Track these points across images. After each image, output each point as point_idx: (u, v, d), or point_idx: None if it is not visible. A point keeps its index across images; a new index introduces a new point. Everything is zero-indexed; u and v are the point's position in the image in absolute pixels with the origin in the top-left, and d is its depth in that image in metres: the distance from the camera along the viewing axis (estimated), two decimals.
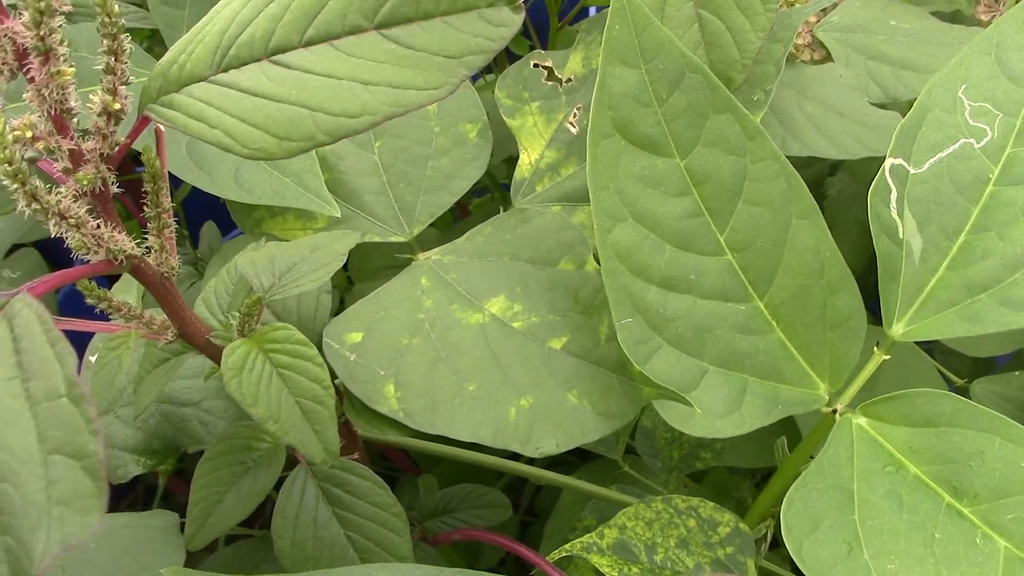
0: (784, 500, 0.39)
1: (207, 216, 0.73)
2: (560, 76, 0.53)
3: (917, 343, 0.68)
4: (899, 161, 0.45)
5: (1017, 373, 0.66)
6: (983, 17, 0.66)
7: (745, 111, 0.43)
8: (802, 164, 0.80)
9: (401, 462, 0.81)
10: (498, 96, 0.52)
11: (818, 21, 0.60)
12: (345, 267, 0.81)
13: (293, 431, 0.35)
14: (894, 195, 0.44)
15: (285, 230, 0.50)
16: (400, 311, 0.46)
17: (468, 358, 0.44)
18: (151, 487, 0.84)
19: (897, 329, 0.43)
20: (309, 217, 0.49)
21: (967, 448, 0.40)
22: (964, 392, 0.66)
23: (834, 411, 0.43)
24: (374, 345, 0.44)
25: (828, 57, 0.61)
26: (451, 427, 0.42)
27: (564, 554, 0.44)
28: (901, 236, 0.44)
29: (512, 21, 0.28)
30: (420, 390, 0.43)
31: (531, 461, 0.88)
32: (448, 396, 0.43)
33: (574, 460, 0.79)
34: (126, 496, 0.87)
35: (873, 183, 0.44)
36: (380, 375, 0.43)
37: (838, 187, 0.74)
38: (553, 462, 0.88)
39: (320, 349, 0.44)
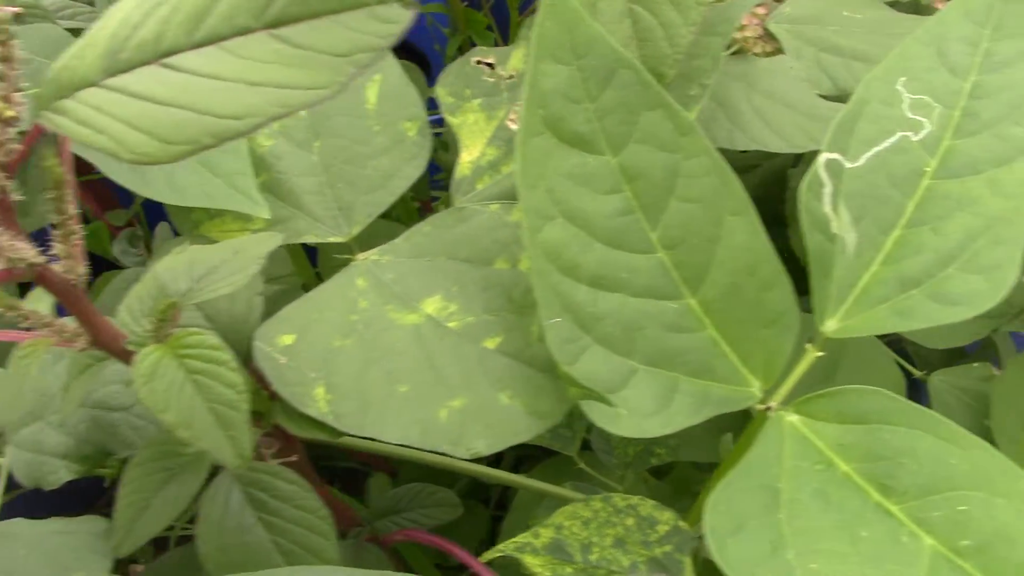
0: (708, 501, 0.39)
1: (166, 217, 0.73)
2: (502, 73, 0.53)
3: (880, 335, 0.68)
4: (834, 155, 0.44)
5: (976, 364, 0.65)
6: (940, 7, 0.66)
7: (677, 107, 0.43)
8: (764, 156, 0.80)
9: (373, 458, 0.80)
10: (439, 93, 0.52)
11: (768, 13, 0.59)
12: (314, 263, 0.80)
13: (206, 437, 0.34)
14: (828, 190, 0.44)
15: (223, 232, 0.49)
16: (334, 312, 0.45)
17: (401, 359, 0.44)
18: None
19: (830, 325, 0.43)
20: (247, 219, 0.49)
21: (898, 445, 0.40)
22: (923, 384, 0.65)
23: (768, 408, 0.43)
24: (306, 347, 0.44)
25: (781, 49, 0.60)
26: (381, 429, 0.42)
27: (497, 554, 0.44)
28: (834, 231, 0.43)
29: (402, 17, 0.28)
30: (350, 392, 0.43)
31: (497, 460, 0.88)
32: (379, 398, 0.43)
33: (540, 454, 0.79)
34: (104, 495, 0.87)
35: (805, 179, 0.43)
36: (311, 378, 0.43)
37: (800, 179, 0.74)
38: (519, 457, 0.88)
39: (251, 352, 0.44)
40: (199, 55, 0.28)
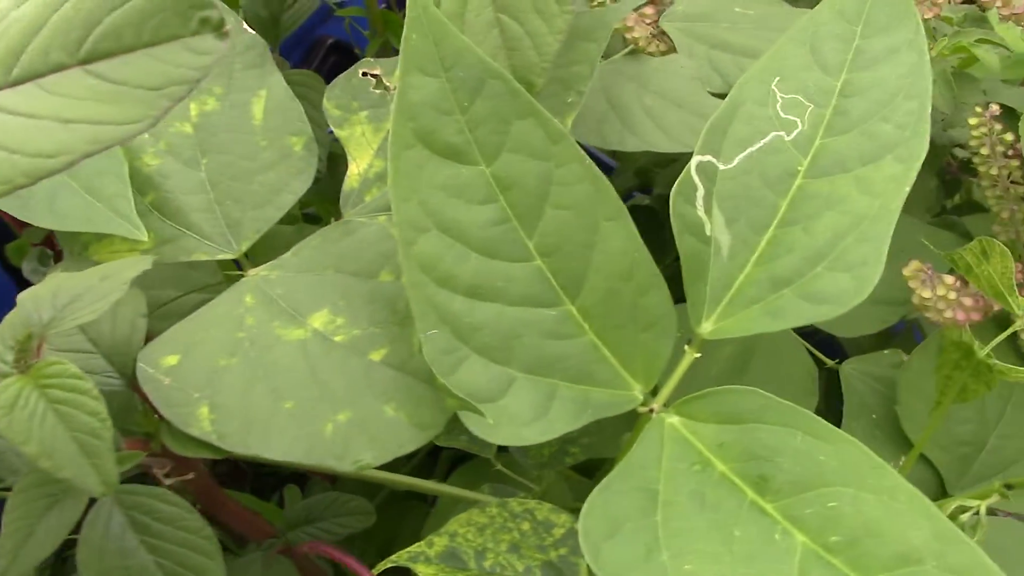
0: (584, 505, 0.39)
1: None
2: (389, 84, 0.53)
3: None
4: (707, 158, 0.45)
5: (887, 352, 0.66)
6: None
7: (548, 115, 0.43)
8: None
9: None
10: (326, 106, 0.52)
11: (659, 12, 0.59)
12: None
13: (69, 466, 0.34)
14: (700, 192, 0.44)
15: (113, 253, 0.49)
16: (220, 331, 0.45)
17: (287, 376, 0.44)
18: None
19: (706, 327, 0.44)
20: (135, 240, 0.49)
21: (772, 443, 0.41)
22: (835, 374, 0.66)
23: (651, 411, 0.43)
24: (191, 367, 0.44)
25: (675, 48, 0.61)
26: (265, 446, 0.42)
27: (390, 565, 0.44)
28: (708, 234, 0.44)
29: (216, 49, 0.28)
30: (234, 411, 0.43)
31: (433, 461, 0.88)
32: (264, 415, 0.43)
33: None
34: None
35: (676, 183, 0.44)
36: (195, 398, 0.43)
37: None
38: (456, 457, 0.88)
39: (135, 374, 0.44)
40: (16, 93, 0.28)
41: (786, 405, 0.41)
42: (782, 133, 0.45)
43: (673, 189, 0.44)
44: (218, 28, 0.28)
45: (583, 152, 0.43)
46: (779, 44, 0.47)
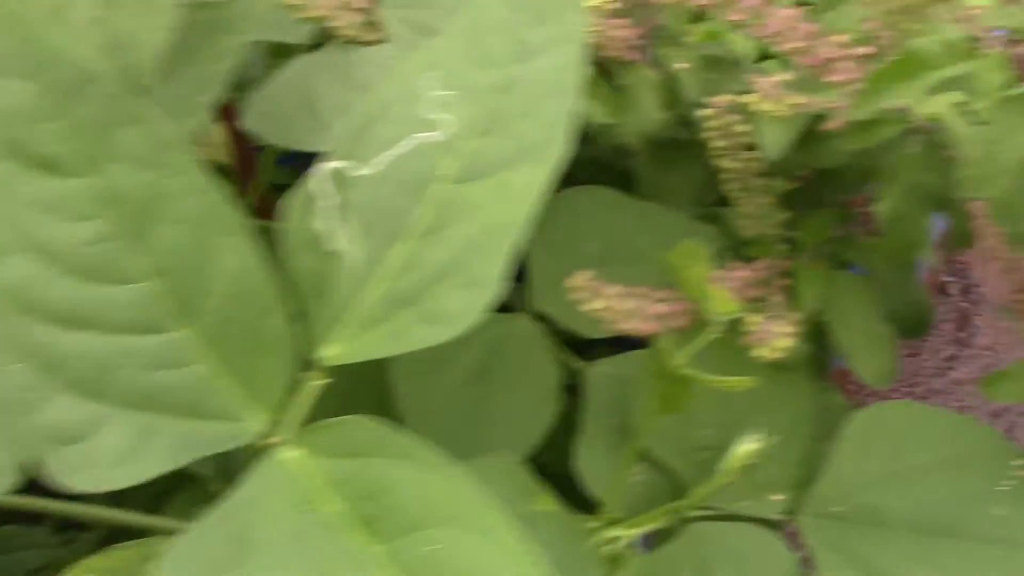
0: (164, 556, 0.36)
1: None
2: None
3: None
4: (340, 164, 0.41)
5: (635, 352, 0.63)
6: None
7: (158, 122, 0.39)
8: None
9: None
10: None
11: None
12: None
13: None
14: (326, 204, 0.40)
15: None
16: None
17: None
18: None
19: (331, 350, 0.40)
20: None
21: (387, 480, 0.37)
22: (580, 375, 0.63)
23: (270, 445, 0.40)
24: None
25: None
26: None
27: None
28: (333, 249, 0.40)
29: None
30: None
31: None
32: None
33: None
34: None
35: (292, 193, 0.40)
36: None
37: None
38: None
39: None
40: None
41: (402, 437, 0.38)
42: (429, 134, 0.42)
43: (288, 201, 0.40)
44: None
45: (196, 161, 0.39)
46: (439, 36, 0.44)
